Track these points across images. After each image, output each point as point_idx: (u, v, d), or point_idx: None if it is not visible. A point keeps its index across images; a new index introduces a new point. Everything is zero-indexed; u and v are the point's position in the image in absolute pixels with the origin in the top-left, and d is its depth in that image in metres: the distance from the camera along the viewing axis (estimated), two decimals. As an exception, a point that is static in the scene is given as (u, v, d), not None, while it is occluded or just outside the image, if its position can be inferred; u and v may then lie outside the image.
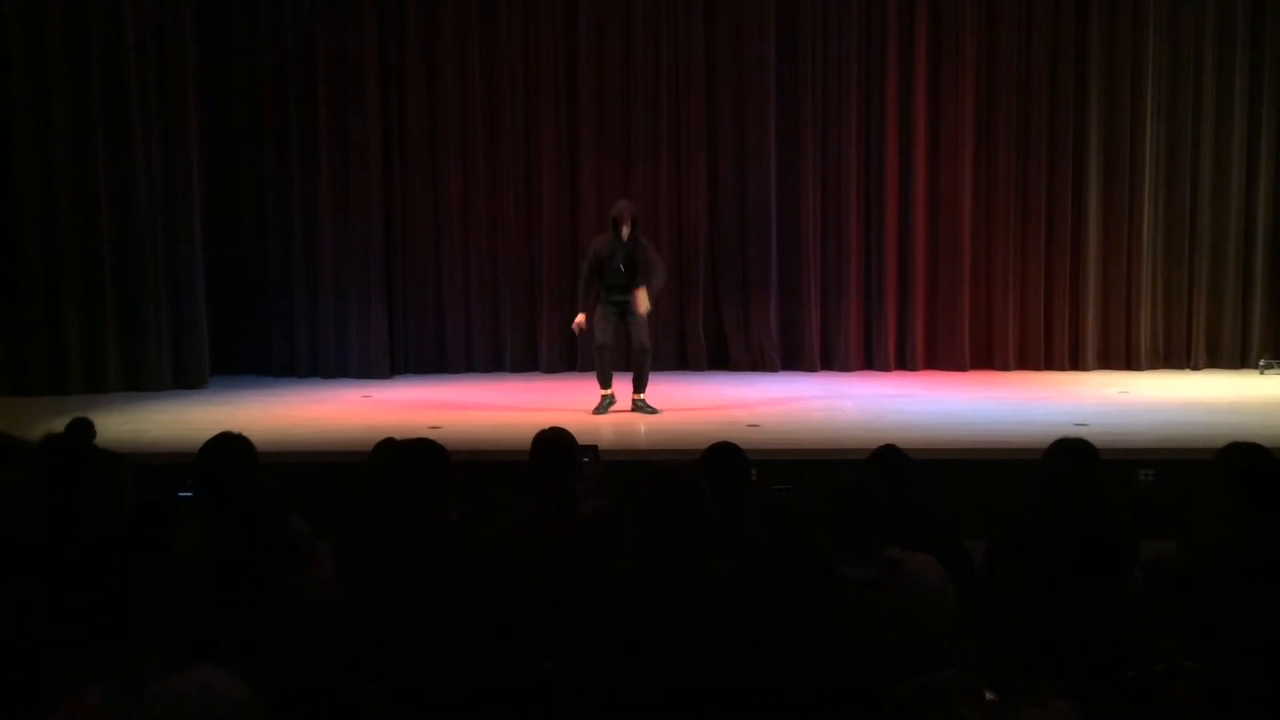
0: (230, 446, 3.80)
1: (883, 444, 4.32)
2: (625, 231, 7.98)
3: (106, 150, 9.32)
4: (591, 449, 4.39)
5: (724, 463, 4.02)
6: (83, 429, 3.83)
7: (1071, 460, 3.69)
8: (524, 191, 10.48)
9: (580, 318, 8.18)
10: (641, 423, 7.91)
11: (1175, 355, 10.69)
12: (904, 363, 10.59)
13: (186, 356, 9.68)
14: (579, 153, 10.43)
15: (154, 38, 9.47)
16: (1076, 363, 10.59)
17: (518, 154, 10.44)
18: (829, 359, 10.59)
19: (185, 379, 9.61)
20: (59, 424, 3.97)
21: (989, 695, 2.24)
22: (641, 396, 8.14)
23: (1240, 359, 10.63)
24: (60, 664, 2.45)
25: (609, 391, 8.14)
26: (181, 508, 3.81)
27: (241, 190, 10.33)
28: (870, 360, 10.61)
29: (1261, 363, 10.37)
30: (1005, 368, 10.49)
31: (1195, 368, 10.59)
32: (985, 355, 10.61)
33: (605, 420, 7.97)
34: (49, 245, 9.30)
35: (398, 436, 3.91)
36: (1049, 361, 10.59)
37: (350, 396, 9.17)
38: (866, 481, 3.46)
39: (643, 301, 7.98)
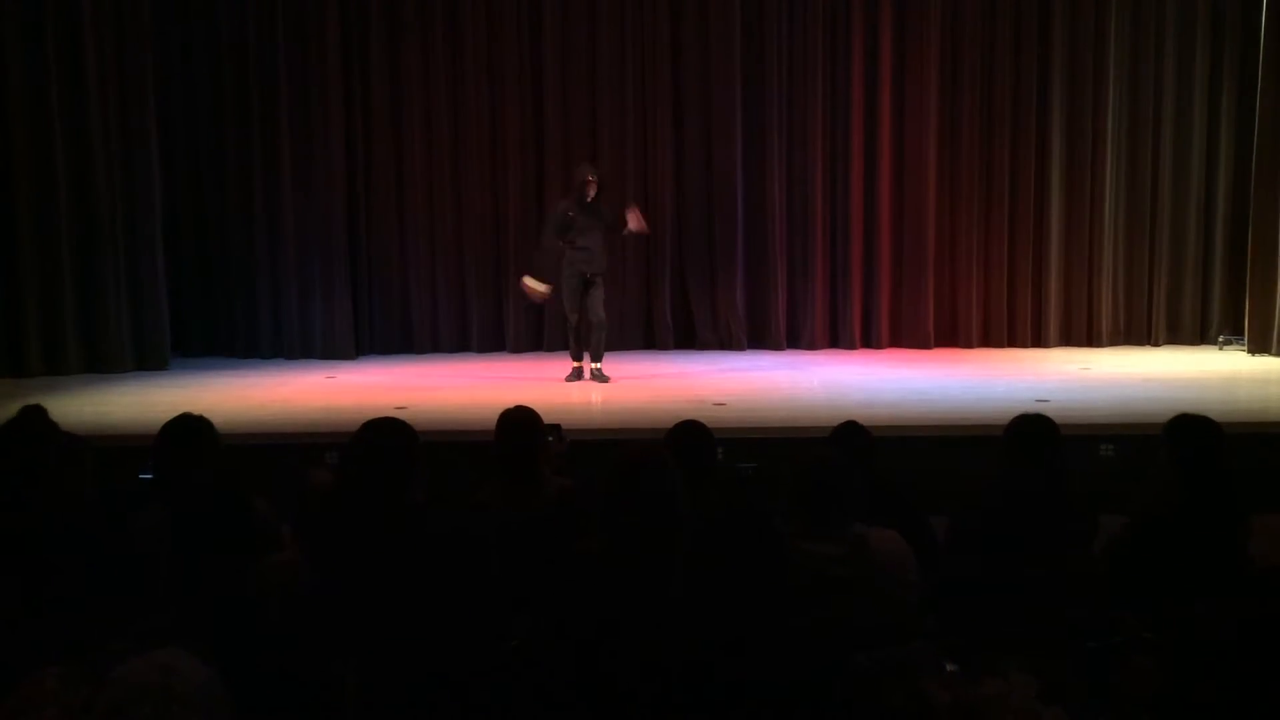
0: (190, 428, 3.76)
1: (844, 420, 4.34)
2: (591, 194, 8.37)
3: (64, 131, 9.17)
4: (556, 428, 4.38)
5: (689, 441, 4.03)
6: (35, 417, 3.75)
7: (1032, 436, 3.72)
8: (489, 171, 10.42)
9: (527, 278, 8.56)
10: (607, 401, 7.93)
11: (1136, 332, 10.82)
12: (869, 341, 10.64)
13: (148, 338, 9.57)
14: (544, 133, 10.38)
15: (111, 13, 9.32)
16: (1039, 340, 10.68)
17: (483, 133, 10.37)
18: (795, 338, 10.63)
19: (147, 360, 9.51)
20: (17, 408, 3.91)
21: (950, 667, 2.26)
22: (598, 366, 8.47)
23: (1200, 335, 10.78)
24: (19, 646, 2.43)
25: (580, 364, 8.53)
26: (143, 489, 3.79)
27: (202, 171, 10.20)
28: (836, 339, 10.66)
29: (1220, 339, 10.50)
30: (969, 345, 10.57)
31: (1155, 344, 10.71)
32: (949, 333, 10.68)
33: (571, 399, 7.98)
34: (5, 227, 9.15)
35: (363, 418, 3.88)
36: (1012, 339, 10.69)
37: (315, 378, 9.11)
38: (831, 458, 3.48)
39: (634, 219, 8.44)
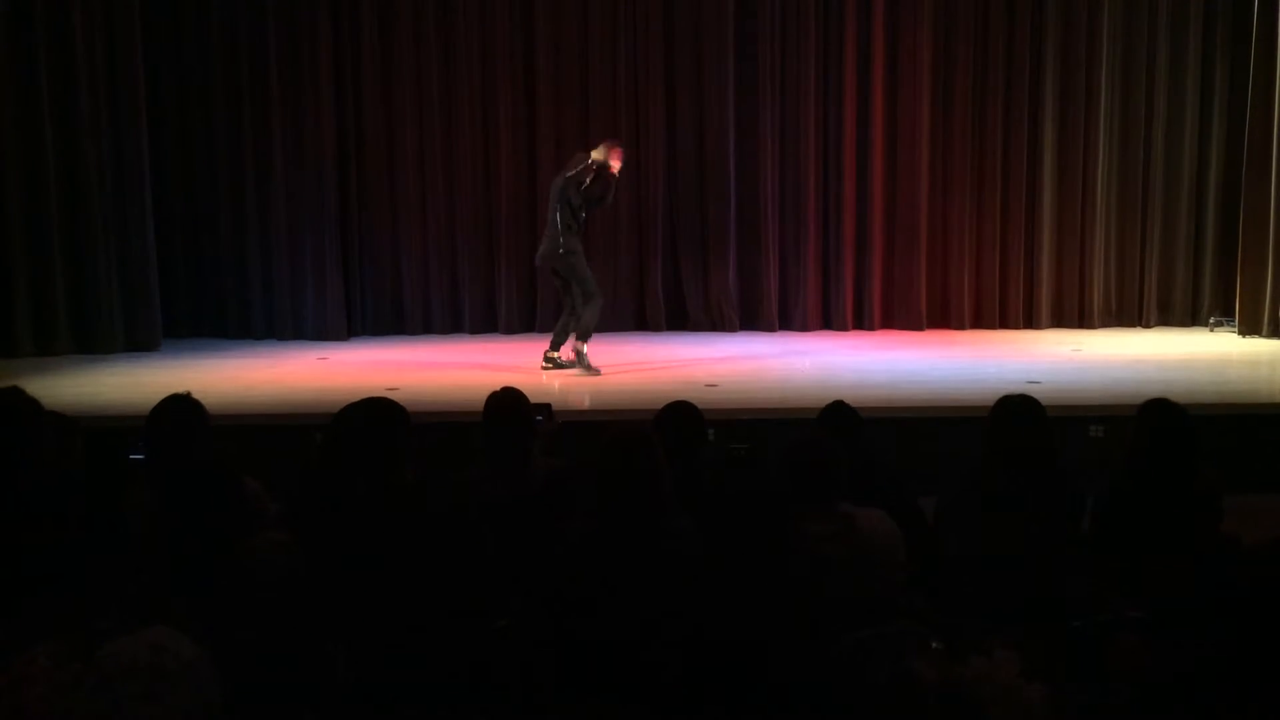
0: (180, 408, 3.76)
1: (833, 400, 4.35)
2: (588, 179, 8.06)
3: (53, 111, 9.12)
4: (546, 407, 4.39)
5: (679, 422, 4.04)
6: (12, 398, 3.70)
7: (1015, 416, 3.73)
8: (481, 150, 10.39)
9: None
10: (597, 383, 7.92)
11: (1127, 313, 10.85)
12: (861, 322, 10.65)
13: (138, 318, 9.54)
14: (536, 113, 10.35)
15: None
16: (1031, 321, 10.71)
17: (474, 112, 10.34)
18: (787, 319, 10.63)
19: (138, 341, 9.47)
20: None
21: (935, 645, 2.28)
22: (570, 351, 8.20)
23: (1191, 317, 10.81)
24: (10, 626, 2.44)
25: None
26: (133, 470, 3.79)
27: (193, 150, 10.16)
28: (828, 320, 10.67)
29: (1211, 320, 10.53)
30: (961, 327, 10.59)
31: (1147, 326, 10.75)
32: (941, 314, 10.70)
33: (560, 380, 7.95)
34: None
35: (355, 398, 3.89)
36: (1004, 320, 10.71)
37: (306, 359, 9.10)
38: (820, 437, 3.50)
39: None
